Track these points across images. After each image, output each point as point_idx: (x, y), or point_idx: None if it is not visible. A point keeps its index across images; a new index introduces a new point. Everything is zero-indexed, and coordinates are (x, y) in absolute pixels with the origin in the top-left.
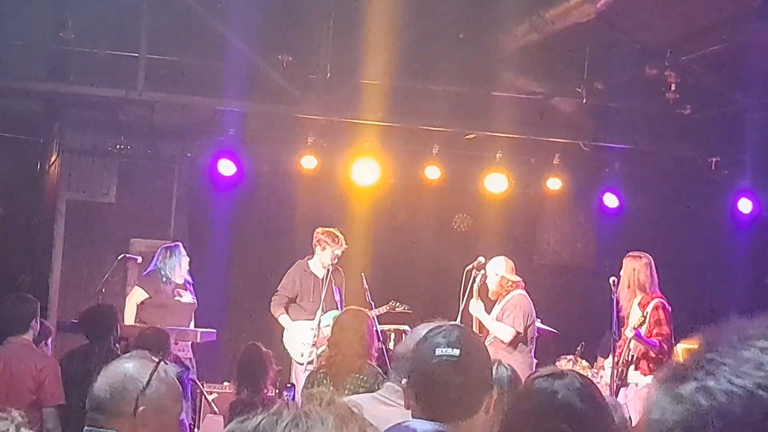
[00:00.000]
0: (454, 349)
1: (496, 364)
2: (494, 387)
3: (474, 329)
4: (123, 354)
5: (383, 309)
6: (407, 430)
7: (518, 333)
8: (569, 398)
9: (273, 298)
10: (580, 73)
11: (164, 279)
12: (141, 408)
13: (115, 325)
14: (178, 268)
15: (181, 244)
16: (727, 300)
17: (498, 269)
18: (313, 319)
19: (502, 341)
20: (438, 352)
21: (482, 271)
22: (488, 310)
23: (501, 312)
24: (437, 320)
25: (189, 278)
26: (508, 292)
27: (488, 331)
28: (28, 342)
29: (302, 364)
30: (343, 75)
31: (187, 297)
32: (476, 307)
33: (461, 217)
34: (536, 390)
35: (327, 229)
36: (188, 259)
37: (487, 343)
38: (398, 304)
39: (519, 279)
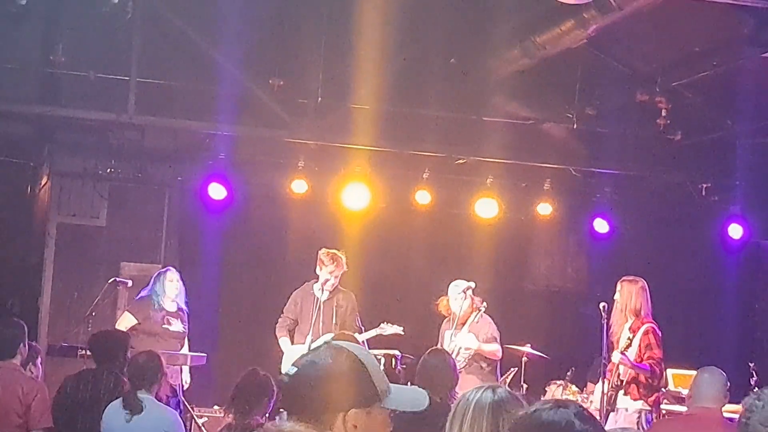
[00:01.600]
0: (292, 369)
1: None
2: (345, 408)
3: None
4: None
5: (373, 332)
6: None
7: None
8: (586, 427)
9: (277, 320)
10: (570, 98)
11: (156, 305)
12: None
13: (124, 352)
14: (164, 294)
15: (172, 269)
16: (717, 325)
17: (460, 291)
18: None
19: (490, 361)
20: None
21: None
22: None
23: (482, 335)
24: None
25: (184, 306)
26: (469, 315)
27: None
28: (16, 366)
29: None
30: (334, 99)
31: (177, 325)
32: (468, 338)
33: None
34: (549, 423)
35: (329, 250)
36: (179, 285)
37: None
38: (388, 326)
39: (480, 299)
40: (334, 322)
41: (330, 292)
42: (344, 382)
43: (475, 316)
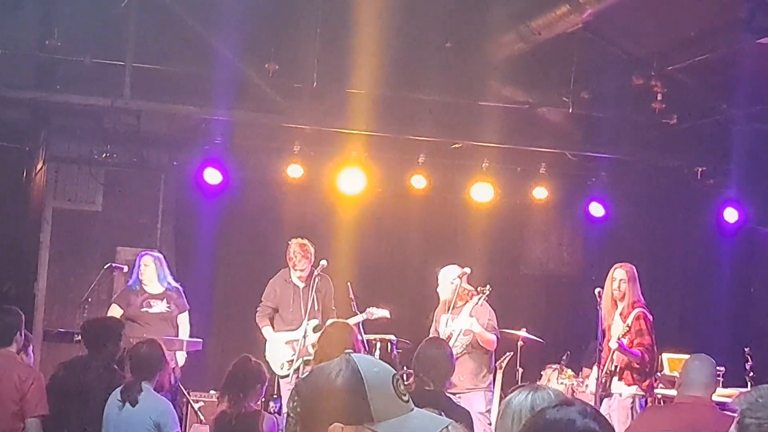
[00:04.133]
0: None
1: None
2: (329, 421)
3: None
4: (118, 366)
5: (360, 317)
6: None
7: (498, 339)
8: (588, 424)
9: (257, 309)
10: (566, 82)
11: (136, 291)
12: None
13: (115, 339)
14: (137, 277)
15: (148, 253)
16: (712, 309)
17: (452, 277)
18: (292, 330)
19: (484, 350)
20: None
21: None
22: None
23: (479, 317)
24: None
25: (174, 285)
26: (466, 302)
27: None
28: (12, 354)
29: (283, 377)
30: (329, 84)
31: (159, 306)
32: (469, 322)
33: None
34: (553, 421)
35: (299, 240)
36: (153, 268)
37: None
38: (375, 309)
39: (472, 288)
40: (316, 308)
41: (306, 279)
42: (334, 395)
43: (478, 300)
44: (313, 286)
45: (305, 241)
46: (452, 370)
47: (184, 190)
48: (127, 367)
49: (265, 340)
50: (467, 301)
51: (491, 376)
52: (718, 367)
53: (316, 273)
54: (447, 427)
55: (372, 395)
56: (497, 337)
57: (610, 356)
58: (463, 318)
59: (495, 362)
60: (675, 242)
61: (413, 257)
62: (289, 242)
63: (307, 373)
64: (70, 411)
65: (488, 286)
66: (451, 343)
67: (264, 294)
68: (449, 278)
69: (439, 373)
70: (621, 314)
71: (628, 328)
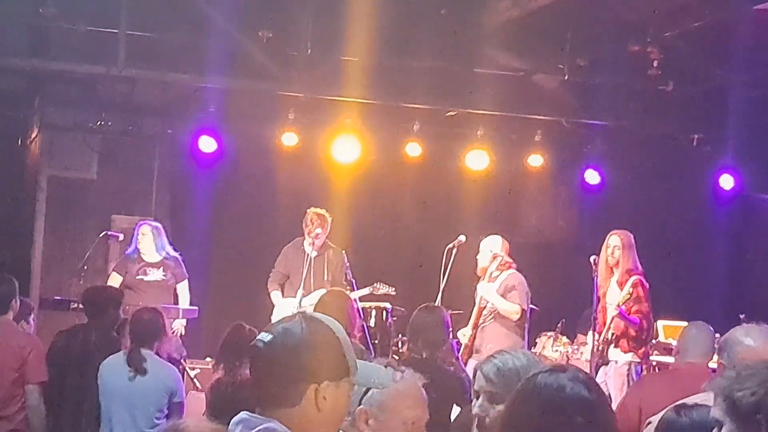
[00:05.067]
0: (267, 335)
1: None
2: (318, 380)
3: (475, 312)
4: (119, 335)
5: (366, 290)
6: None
7: (523, 311)
8: (578, 390)
9: (270, 274)
10: (562, 49)
11: (134, 259)
12: None
13: (114, 307)
14: (137, 248)
15: (147, 222)
16: (708, 276)
17: (494, 247)
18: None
19: (510, 320)
20: (256, 337)
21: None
22: (474, 287)
23: (503, 290)
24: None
25: (172, 254)
26: (502, 271)
27: (479, 317)
28: (10, 322)
29: None
30: (324, 52)
31: (155, 275)
32: (486, 288)
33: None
34: (543, 386)
35: (317, 210)
36: (151, 237)
37: (485, 325)
38: (382, 285)
39: (511, 260)
40: (325, 278)
41: (320, 249)
42: (319, 354)
43: (507, 275)
44: (326, 257)
45: (322, 211)
46: (447, 335)
47: (179, 158)
48: (126, 334)
49: (273, 305)
50: (502, 271)
51: (521, 346)
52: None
53: (329, 245)
54: (402, 374)
55: (346, 350)
56: (522, 308)
57: (608, 323)
58: (483, 284)
59: (528, 333)
60: (671, 209)
61: (408, 225)
62: (307, 210)
63: (265, 339)
64: (71, 379)
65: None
66: (484, 312)
67: (277, 260)
68: (488, 248)
69: (430, 340)
70: (618, 282)
71: (629, 295)
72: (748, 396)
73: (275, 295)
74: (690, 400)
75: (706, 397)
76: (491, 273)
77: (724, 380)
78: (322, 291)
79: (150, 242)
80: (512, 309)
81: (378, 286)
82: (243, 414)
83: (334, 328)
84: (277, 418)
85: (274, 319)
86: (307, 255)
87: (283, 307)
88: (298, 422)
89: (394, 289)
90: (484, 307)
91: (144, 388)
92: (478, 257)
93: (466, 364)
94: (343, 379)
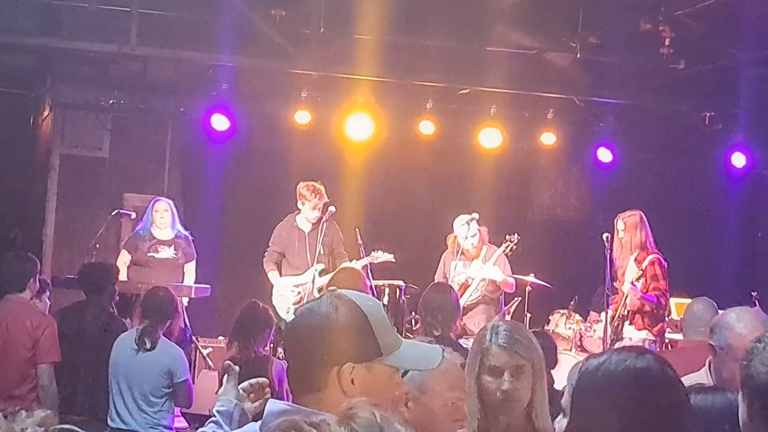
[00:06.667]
0: (292, 316)
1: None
2: (339, 362)
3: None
4: (119, 312)
5: (365, 260)
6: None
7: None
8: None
9: (265, 254)
10: (574, 27)
11: (145, 236)
12: None
13: (109, 283)
14: (152, 224)
15: (162, 199)
16: (720, 254)
17: (464, 224)
18: (298, 274)
19: (495, 298)
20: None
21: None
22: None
23: (502, 264)
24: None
25: (183, 233)
26: (481, 248)
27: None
28: (25, 300)
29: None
30: (336, 30)
31: (166, 252)
32: (494, 270)
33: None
34: (624, 370)
35: (308, 182)
36: (167, 214)
37: (475, 298)
38: (380, 253)
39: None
40: (322, 252)
41: (314, 224)
42: (341, 334)
43: (506, 248)
44: (321, 231)
45: (313, 183)
46: (458, 314)
47: (191, 136)
48: (137, 312)
49: (272, 285)
50: (480, 249)
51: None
52: None
53: (324, 219)
54: (443, 352)
55: (377, 329)
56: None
57: (623, 300)
58: (487, 266)
59: (504, 307)
60: (682, 187)
61: (421, 203)
62: (298, 186)
63: (295, 314)
64: (66, 354)
65: (516, 235)
66: (470, 290)
67: (271, 239)
68: (458, 226)
69: (445, 317)
70: (636, 260)
71: (642, 273)
72: (759, 365)
73: (273, 275)
74: (687, 380)
75: (697, 378)
76: (464, 250)
77: (753, 344)
78: (321, 265)
79: (168, 219)
80: (512, 282)
81: (376, 254)
82: (281, 404)
83: (363, 305)
84: (305, 404)
85: (274, 299)
86: (302, 231)
87: (282, 286)
88: (327, 409)
89: (393, 255)
90: (469, 285)
91: (142, 366)
92: (459, 240)
93: None
94: (374, 360)
